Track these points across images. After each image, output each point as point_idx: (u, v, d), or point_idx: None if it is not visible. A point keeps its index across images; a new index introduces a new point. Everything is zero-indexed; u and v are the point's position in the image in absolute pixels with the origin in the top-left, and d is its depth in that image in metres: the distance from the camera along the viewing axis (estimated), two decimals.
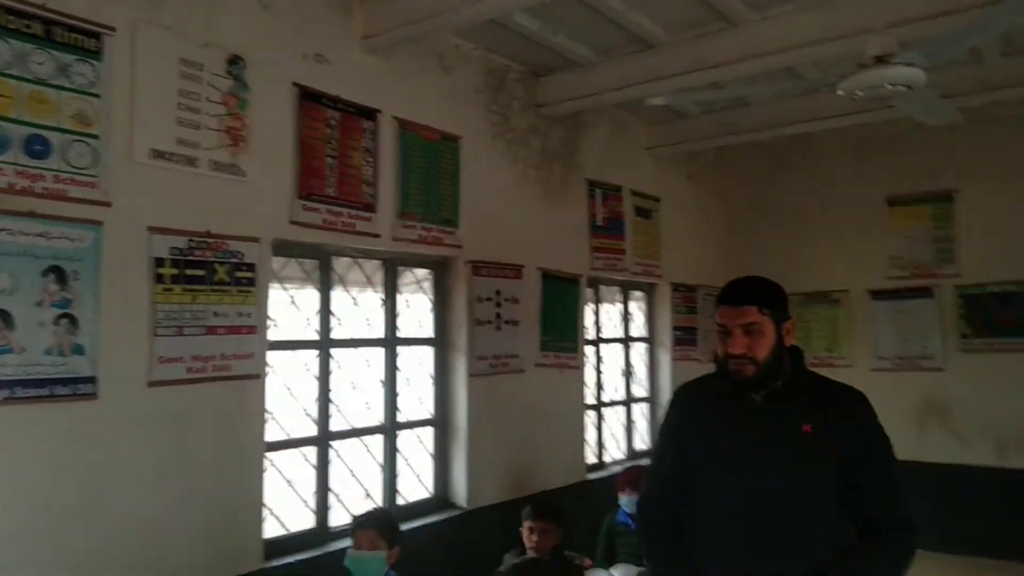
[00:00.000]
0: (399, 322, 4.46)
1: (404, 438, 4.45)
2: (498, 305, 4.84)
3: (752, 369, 2.01)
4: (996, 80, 5.18)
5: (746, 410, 2.06)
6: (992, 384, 6.27)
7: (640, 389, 6.60)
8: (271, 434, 3.61)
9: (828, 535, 1.98)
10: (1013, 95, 5.47)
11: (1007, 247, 6.26)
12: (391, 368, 4.39)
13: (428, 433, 4.64)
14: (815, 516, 1.97)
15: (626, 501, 4.25)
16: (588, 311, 5.81)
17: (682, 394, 2.29)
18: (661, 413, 6.55)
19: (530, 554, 3.59)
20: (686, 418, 2.20)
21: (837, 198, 7.14)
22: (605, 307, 6.22)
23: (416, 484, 4.53)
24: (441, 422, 4.66)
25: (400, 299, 4.50)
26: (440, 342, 4.71)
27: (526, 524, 3.67)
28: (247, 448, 3.41)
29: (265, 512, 3.50)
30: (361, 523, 3.02)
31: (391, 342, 4.41)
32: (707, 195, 7.43)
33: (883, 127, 6.59)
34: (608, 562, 4.18)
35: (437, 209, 4.48)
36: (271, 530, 3.60)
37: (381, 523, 3.03)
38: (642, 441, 6.53)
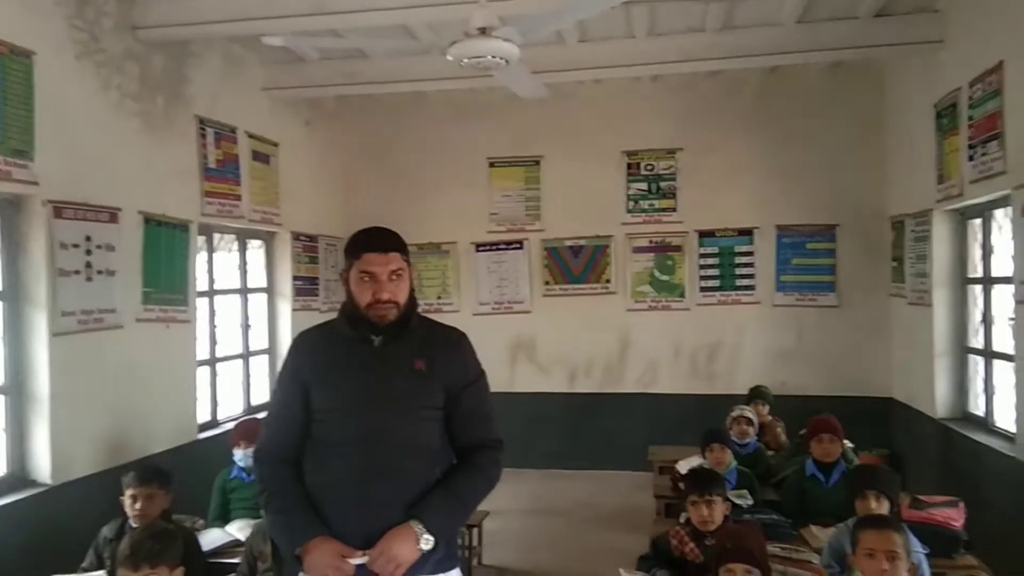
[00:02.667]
0: None
1: None
2: (88, 253, 4.24)
3: (395, 313, 2.11)
4: (575, 61, 6.02)
5: (366, 352, 2.14)
6: (566, 323, 7.43)
7: (259, 341, 6.40)
8: None
9: (437, 461, 2.16)
10: (588, 76, 6.44)
11: (579, 207, 7.41)
12: None
13: None
14: (429, 445, 2.14)
15: (240, 455, 4.12)
16: (200, 260, 5.42)
17: (302, 341, 2.26)
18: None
19: (133, 523, 3.28)
20: (308, 363, 2.19)
21: (448, 156, 7.66)
22: (220, 256, 5.86)
23: None
24: (15, 389, 3.98)
25: None
26: (11, 296, 3.98)
27: (128, 492, 3.33)
28: None
29: None
30: None
31: None
32: (327, 144, 7.41)
33: (485, 94, 7.24)
34: (223, 519, 4.03)
35: (3, 137, 3.73)
36: None
37: None
38: (261, 395, 6.37)
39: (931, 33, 5.40)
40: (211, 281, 5.67)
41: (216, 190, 5.45)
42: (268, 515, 2.18)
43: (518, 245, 7.56)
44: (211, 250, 5.68)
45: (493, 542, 5.22)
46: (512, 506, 6.03)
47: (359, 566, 1.99)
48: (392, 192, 7.68)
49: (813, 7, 5.41)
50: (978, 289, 5.32)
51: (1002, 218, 4.89)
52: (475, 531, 4.81)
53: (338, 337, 2.18)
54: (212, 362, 5.64)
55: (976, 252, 5.35)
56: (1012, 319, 4.52)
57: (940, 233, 5.57)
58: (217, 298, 5.74)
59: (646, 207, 7.32)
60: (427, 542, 2.01)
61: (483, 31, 3.17)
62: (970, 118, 4.86)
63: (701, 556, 3.04)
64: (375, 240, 2.14)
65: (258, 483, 2.21)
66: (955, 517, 3.31)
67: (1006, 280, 4.74)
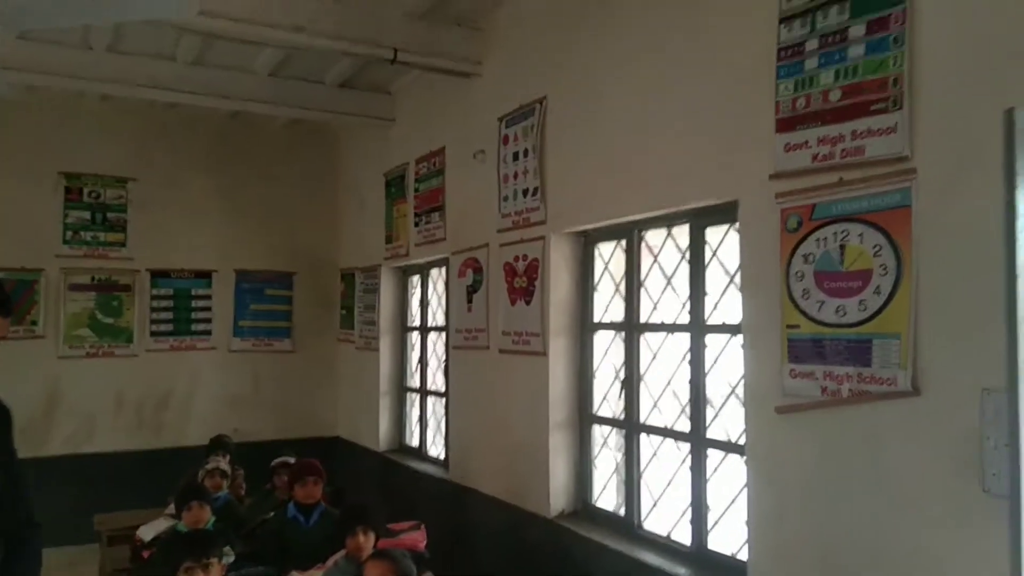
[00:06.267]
0: None
1: None
2: None
3: None
4: (7, 59, 5.01)
5: None
6: None
7: None
8: None
9: None
10: (19, 79, 5.40)
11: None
12: None
13: None
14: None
15: None
16: None
17: None
18: None
19: None
20: None
21: None
22: None
23: None
24: None
25: None
26: None
27: None
28: None
29: None
30: None
31: None
32: None
33: None
34: None
35: None
36: None
37: None
38: None
39: (385, 111, 6.18)
40: None
41: None
42: None
43: None
44: None
45: None
46: None
47: None
48: None
49: (286, 64, 5.64)
50: (416, 336, 6.19)
51: (436, 276, 5.82)
52: None
53: None
54: None
55: (415, 304, 6.23)
56: (444, 361, 5.40)
57: (387, 286, 6.33)
58: None
59: (89, 239, 6.43)
60: None
61: None
62: (416, 190, 5.69)
63: None
64: None
65: None
66: (420, 539, 3.75)
67: (439, 329, 5.64)
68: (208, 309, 6.86)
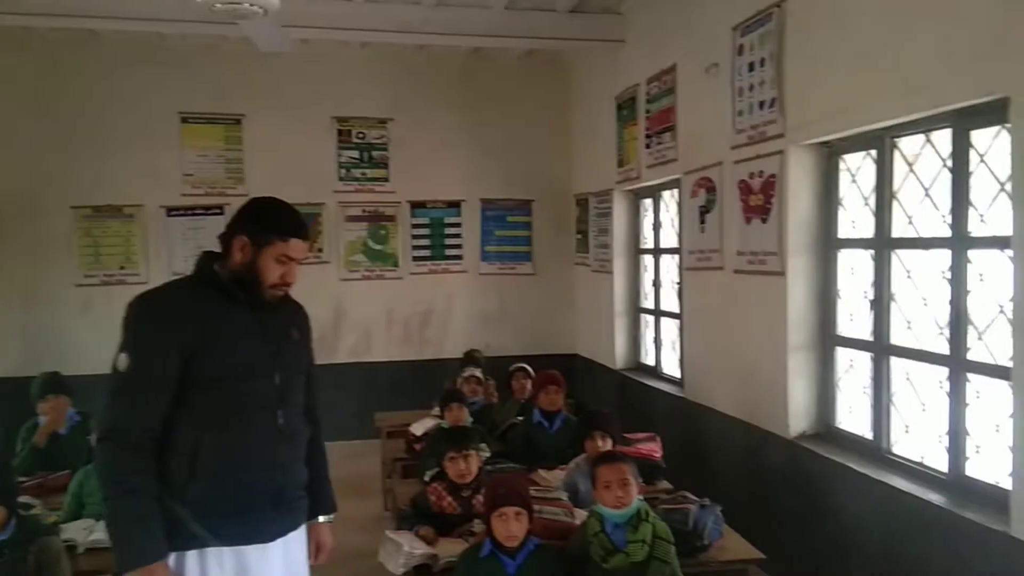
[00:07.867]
0: None
1: None
2: None
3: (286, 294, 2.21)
4: (284, 17, 5.71)
5: (250, 319, 2.15)
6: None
7: None
8: None
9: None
10: (297, 34, 6.15)
11: (288, 171, 7.03)
12: None
13: None
14: (304, 411, 2.33)
15: None
16: None
17: (174, 305, 2.10)
18: None
19: None
20: (191, 330, 2.05)
21: (130, 108, 6.79)
22: None
23: None
24: None
25: None
26: None
27: None
28: None
29: None
30: None
31: None
32: None
33: (177, 41, 6.56)
34: None
35: None
36: None
37: None
38: None
39: (615, 32, 6.16)
40: None
41: None
42: (120, 514, 1.97)
43: (218, 210, 6.99)
44: None
45: None
46: None
47: None
48: (58, 146, 6.66)
49: None
50: (648, 258, 6.27)
51: (668, 198, 5.81)
52: None
53: (214, 302, 2.12)
54: None
55: (647, 227, 6.28)
56: (677, 283, 5.43)
57: (619, 210, 6.43)
58: None
59: (359, 176, 7.28)
60: (329, 520, 2.44)
61: None
62: (647, 111, 5.66)
63: (459, 508, 3.23)
64: (302, 227, 2.19)
65: (110, 470, 1.98)
66: (656, 450, 3.93)
67: (672, 251, 5.65)
68: (459, 236, 7.48)
